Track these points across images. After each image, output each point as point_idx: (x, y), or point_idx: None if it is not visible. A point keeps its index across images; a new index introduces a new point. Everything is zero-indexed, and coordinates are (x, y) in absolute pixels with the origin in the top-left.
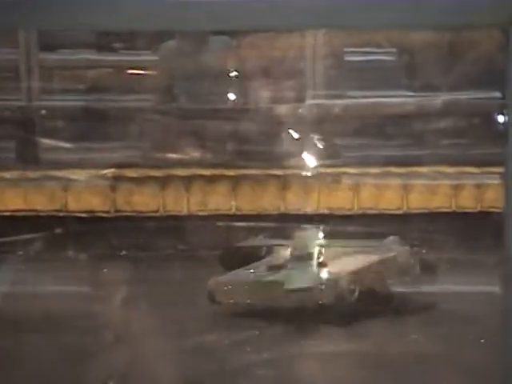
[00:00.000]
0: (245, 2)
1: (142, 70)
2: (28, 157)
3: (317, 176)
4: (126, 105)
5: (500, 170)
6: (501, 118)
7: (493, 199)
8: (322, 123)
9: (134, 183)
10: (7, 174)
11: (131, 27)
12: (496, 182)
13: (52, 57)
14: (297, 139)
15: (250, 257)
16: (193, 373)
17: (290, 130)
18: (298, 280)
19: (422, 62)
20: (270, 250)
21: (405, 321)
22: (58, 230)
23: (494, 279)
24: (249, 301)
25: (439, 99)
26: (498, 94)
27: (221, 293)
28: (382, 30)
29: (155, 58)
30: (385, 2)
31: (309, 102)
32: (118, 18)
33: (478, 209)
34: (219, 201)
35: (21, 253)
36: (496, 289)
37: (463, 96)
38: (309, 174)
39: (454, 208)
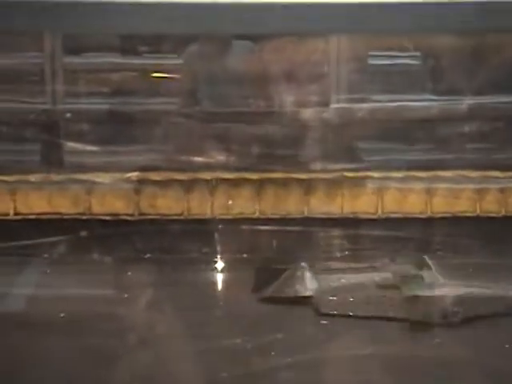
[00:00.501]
0: (269, 7)
1: (166, 73)
2: (52, 160)
3: (341, 180)
4: (151, 108)
5: None
6: None
7: None
8: (346, 127)
9: (158, 186)
10: (32, 177)
11: (155, 30)
12: None
13: (76, 60)
14: (321, 143)
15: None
16: (215, 376)
17: (315, 134)
18: (416, 287)
19: (447, 65)
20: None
21: None
22: (82, 233)
23: None
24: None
25: (463, 103)
26: None
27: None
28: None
29: (179, 61)
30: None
31: (333, 105)
32: (142, 21)
33: (503, 213)
34: (243, 204)
35: (46, 255)
36: None
37: (487, 100)
38: (332, 177)
39: (478, 212)
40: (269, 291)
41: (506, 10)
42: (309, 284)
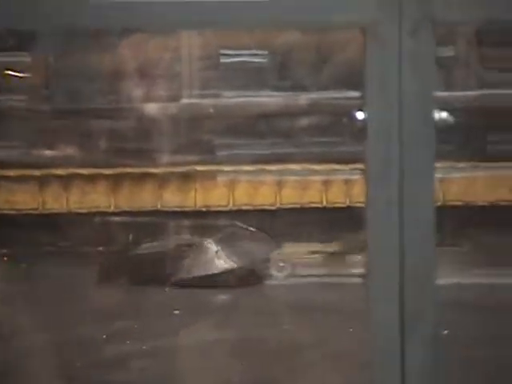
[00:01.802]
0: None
1: (16, 70)
2: None
3: (193, 173)
4: (1, 105)
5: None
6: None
7: (359, 194)
8: (197, 122)
9: (13, 182)
10: None
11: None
12: (361, 177)
13: None
14: (173, 138)
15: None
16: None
17: (167, 129)
18: None
19: (291, 63)
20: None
21: None
22: None
23: None
24: None
25: (306, 98)
26: (356, 94)
27: None
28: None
29: (30, 58)
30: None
31: (184, 101)
32: None
33: (347, 203)
34: (98, 198)
35: None
36: None
37: (329, 95)
38: (184, 171)
39: (324, 203)
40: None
41: (340, 6)
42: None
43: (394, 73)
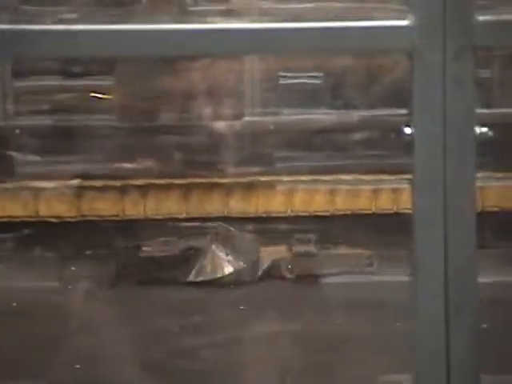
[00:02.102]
0: (189, 32)
1: (101, 93)
2: (4, 170)
3: (255, 183)
4: (88, 123)
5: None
6: (407, 131)
7: (405, 201)
8: (259, 137)
9: (96, 191)
10: None
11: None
12: (407, 186)
13: (24, 83)
14: (237, 151)
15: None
16: None
17: (232, 144)
18: None
19: (344, 83)
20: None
21: None
22: (29, 233)
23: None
24: None
25: (357, 115)
26: (403, 111)
27: None
28: (308, 55)
29: (112, 82)
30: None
31: (247, 118)
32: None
33: (394, 210)
34: (171, 206)
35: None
36: None
37: (379, 113)
38: (248, 181)
39: (373, 210)
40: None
41: (386, 33)
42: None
43: (439, 93)
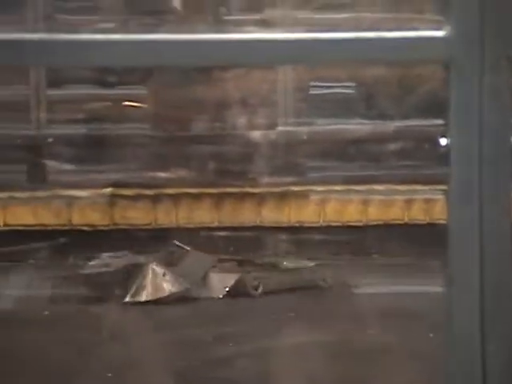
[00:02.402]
0: (225, 42)
1: (135, 101)
2: (37, 178)
3: (288, 193)
4: (121, 132)
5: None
6: (442, 141)
7: (438, 212)
8: (292, 147)
9: (129, 200)
10: (19, 194)
11: (125, 64)
12: (440, 197)
13: (58, 92)
14: (270, 161)
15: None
16: None
17: (264, 153)
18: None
19: (377, 93)
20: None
21: None
22: (63, 241)
23: None
24: None
25: (392, 126)
26: (438, 121)
27: None
28: (342, 66)
29: (146, 90)
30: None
31: (280, 128)
32: (113, 56)
33: (427, 221)
34: (203, 215)
35: (32, 261)
36: None
37: (412, 123)
38: (280, 191)
39: (406, 220)
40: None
41: (422, 43)
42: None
43: (475, 103)
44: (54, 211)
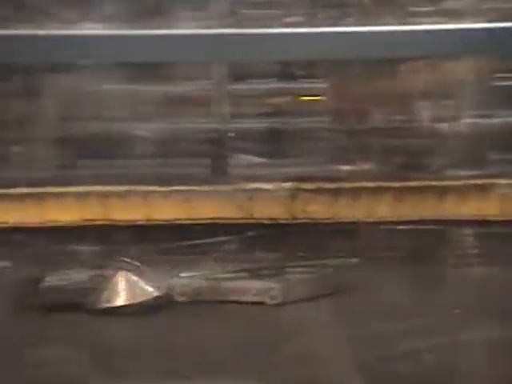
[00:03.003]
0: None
1: (315, 95)
2: (220, 172)
3: (470, 186)
4: (303, 126)
5: None
6: None
7: None
8: (477, 139)
9: (310, 194)
10: (202, 187)
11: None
12: None
13: (240, 86)
14: (453, 154)
15: None
16: None
17: (448, 146)
18: None
19: None
20: None
21: None
22: (245, 235)
23: None
24: None
25: None
26: None
27: None
28: None
29: (326, 84)
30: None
31: (464, 120)
32: (296, 48)
33: None
34: (383, 209)
35: (215, 255)
36: None
37: None
38: (463, 184)
39: None
40: None
41: None
42: None
43: None
44: (234, 205)
